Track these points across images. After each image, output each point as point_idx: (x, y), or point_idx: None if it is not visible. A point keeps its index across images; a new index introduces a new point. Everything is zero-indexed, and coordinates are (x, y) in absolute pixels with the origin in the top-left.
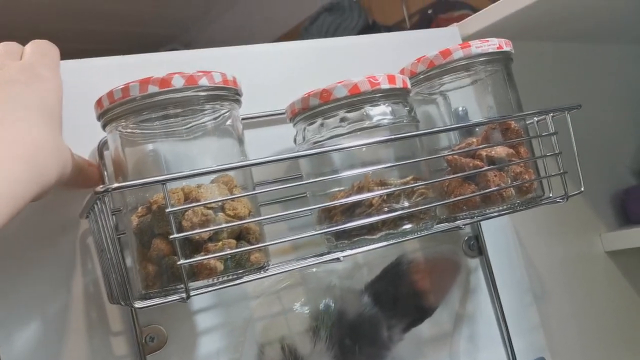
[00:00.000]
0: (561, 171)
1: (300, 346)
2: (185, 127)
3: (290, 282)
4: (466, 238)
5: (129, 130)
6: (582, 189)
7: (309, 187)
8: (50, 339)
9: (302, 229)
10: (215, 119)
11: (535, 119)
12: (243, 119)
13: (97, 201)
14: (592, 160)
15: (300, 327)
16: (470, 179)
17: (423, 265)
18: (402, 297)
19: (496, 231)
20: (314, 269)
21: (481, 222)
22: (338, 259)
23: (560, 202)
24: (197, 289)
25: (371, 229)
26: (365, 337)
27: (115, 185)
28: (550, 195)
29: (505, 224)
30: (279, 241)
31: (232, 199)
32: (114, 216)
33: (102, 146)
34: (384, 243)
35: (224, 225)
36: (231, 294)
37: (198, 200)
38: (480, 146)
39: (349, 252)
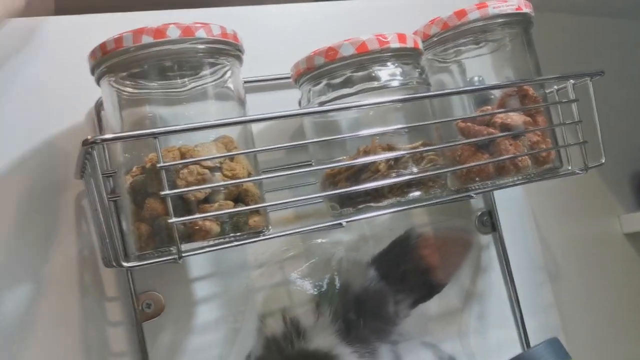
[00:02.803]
0: (581, 140)
1: (302, 318)
2: (185, 88)
3: (294, 253)
4: (479, 214)
5: (126, 89)
6: (603, 161)
7: (313, 154)
8: (43, 301)
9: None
10: (215, 80)
11: (555, 87)
12: (246, 82)
13: (88, 155)
14: (611, 140)
15: (303, 299)
16: (484, 149)
17: (433, 240)
18: (410, 272)
19: (510, 207)
20: (319, 240)
21: (495, 198)
22: (340, 224)
23: (579, 173)
24: (190, 250)
25: (377, 196)
26: (370, 311)
27: (105, 136)
28: (569, 168)
29: (520, 200)
30: (277, 202)
31: (231, 159)
32: (110, 178)
33: (99, 106)
34: (390, 210)
35: (219, 184)
36: (231, 262)
37: (192, 159)
38: (496, 111)
39: (352, 217)
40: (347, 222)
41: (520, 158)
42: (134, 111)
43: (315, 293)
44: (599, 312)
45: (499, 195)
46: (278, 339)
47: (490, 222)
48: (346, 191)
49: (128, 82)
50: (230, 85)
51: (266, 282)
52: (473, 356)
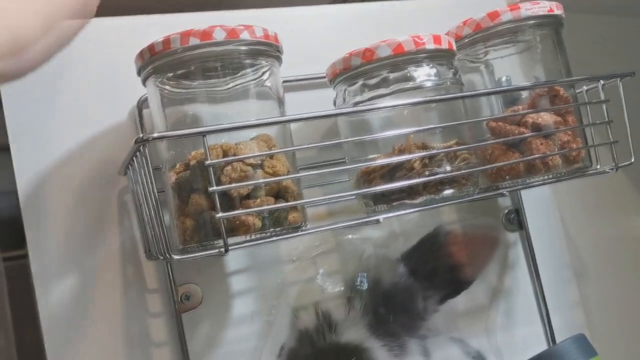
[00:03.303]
0: (611, 140)
1: (334, 312)
2: (226, 87)
3: (325, 249)
4: (506, 211)
5: (169, 88)
6: (633, 160)
7: (347, 152)
8: (86, 294)
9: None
10: (255, 79)
11: (585, 87)
12: (284, 81)
13: (137, 152)
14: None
15: (334, 294)
16: (515, 147)
17: (461, 238)
18: (438, 268)
19: (537, 205)
20: (350, 236)
21: (522, 196)
22: (377, 220)
23: (609, 172)
24: (235, 244)
25: (411, 193)
26: (399, 306)
27: (156, 134)
28: (598, 167)
29: (547, 199)
30: (316, 199)
31: (271, 157)
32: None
33: (142, 104)
34: (424, 207)
35: (262, 180)
36: (266, 257)
37: (237, 156)
38: (526, 111)
39: (387, 214)
40: (383, 218)
41: (550, 157)
42: (176, 109)
43: (346, 288)
44: (624, 311)
45: (526, 194)
46: (310, 332)
47: (517, 220)
48: (384, 189)
49: (172, 82)
50: (270, 85)
51: (299, 277)
52: (499, 352)
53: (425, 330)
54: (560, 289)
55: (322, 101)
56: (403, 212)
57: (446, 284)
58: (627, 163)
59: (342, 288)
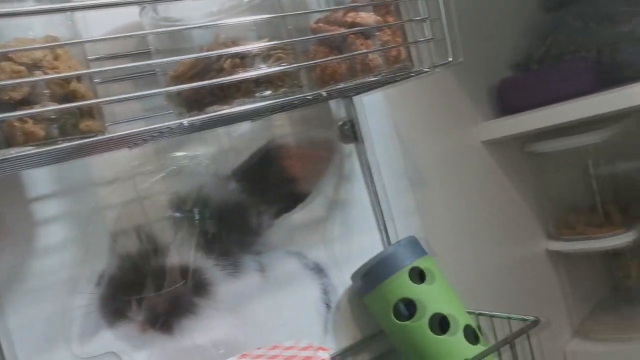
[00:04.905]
0: (428, 37)
1: (160, 235)
2: None
3: (147, 168)
4: (340, 123)
5: None
6: (450, 59)
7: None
8: None
9: (153, 111)
10: None
11: None
12: None
13: None
14: (472, 51)
15: (159, 215)
16: (338, 50)
17: (295, 151)
18: (272, 183)
19: (372, 117)
20: (175, 154)
21: (356, 108)
22: (182, 123)
23: (427, 71)
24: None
25: (224, 96)
26: (232, 223)
27: None
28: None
29: (381, 110)
30: (108, 99)
31: (56, 58)
32: None
33: None
34: (238, 108)
35: (33, 79)
36: (75, 180)
37: (6, 55)
38: (345, 5)
39: (195, 117)
40: (189, 121)
41: (371, 57)
42: None
43: (172, 208)
44: (458, 216)
45: (361, 105)
46: (133, 257)
47: (352, 131)
48: (186, 87)
49: None
50: None
51: (117, 200)
52: (338, 261)
53: (260, 245)
54: (396, 198)
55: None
56: (211, 115)
57: (281, 198)
58: (444, 62)
59: (168, 209)
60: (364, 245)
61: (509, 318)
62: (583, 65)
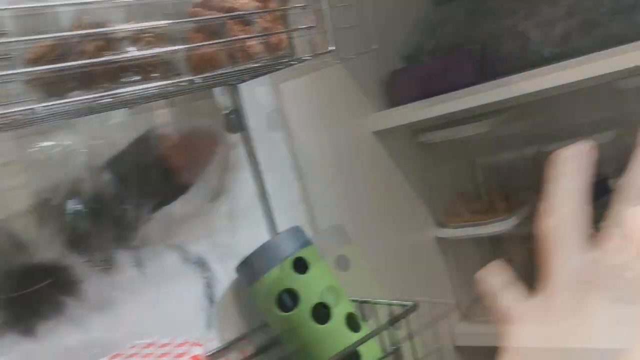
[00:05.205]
0: (308, 25)
1: (22, 231)
2: None
3: (10, 158)
4: (226, 112)
5: None
6: (331, 48)
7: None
8: None
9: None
10: None
11: None
12: None
13: None
14: (363, 44)
15: (22, 210)
16: (217, 36)
17: (176, 140)
18: (151, 174)
19: (259, 107)
20: (42, 144)
21: (242, 97)
22: (32, 109)
23: (307, 59)
24: None
25: (87, 81)
26: (105, 217)
27: None
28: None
29: (268, 100)
30: None
31: None
32: None
33: None
34: (100, 94)
35: None
36: None
37: None
38: None
39: (51, 103)
40: (44, 106)
41: (249, 44)
42: None
43: (38, 203)
44: (347, 206)
45: (247, 95)
46: None
47: (238, 121)
48: (40, 70)
49: None
50: None
51: None
52: (222, 254)
53: (137, 240)
54: (284, 188)
55: None
56: (68, 100)
57: (160, 190)
58: (325, 51)
59: (32, 203)
60: (250, 236)
61: (389, 304)
62: (467, 57)
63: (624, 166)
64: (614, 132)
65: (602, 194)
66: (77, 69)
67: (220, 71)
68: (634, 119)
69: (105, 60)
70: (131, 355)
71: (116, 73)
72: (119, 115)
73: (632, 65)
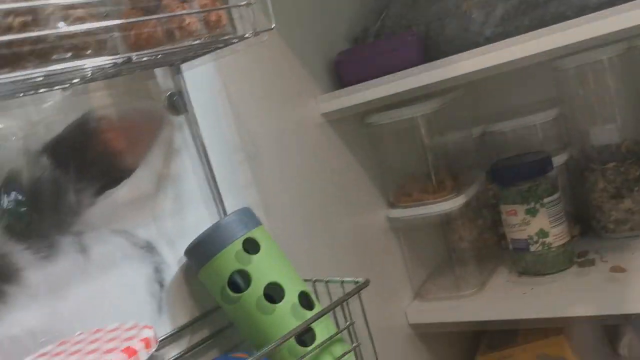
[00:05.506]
0: (247, 2)
1: None
2: None
3: None
4: (168, 93)
5: None
6: (272, 26)
7: None
8: None
9: None
10: None
11: None
12: None
13: None
14: (309, 27)
15: None
16: (154, 13)
17: (117, 123)
18: (91, 157)
19: (202, 87)
20: None
21: (185, 78)
22: None
23: (248, 37)
24: None
25: (14, 60)
26: (45, 203)
27: None
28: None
29: (212, 81)
30: None
31: None
32: None
33: None
34: (31, 70)
35: None
36: None
37: None
38: None
39: None
40: None
41: (188, 22)
42: None
43: None
44: (297, 188)
45: (190, 75)
46: None
47: (181, 102)
48: None
49: None
50: None
51: None
52: (170, 238)
53: (80, 225)
54: (231, 170)
55: None
56: None
57: (102, 174)
58: (266, 29)
59: None
60: (198, 219)
61: (342, 282)
62: (410, 38)
63: (564, 144)
64: (555, 111)
65: (545, 171)
66: (3, 47)
67: (158, 49)
68: (573, 97)
69: (31, 36)
70: (79, 342)
71: (47, 51)
72: (54, 97)
73: (569, 42)
